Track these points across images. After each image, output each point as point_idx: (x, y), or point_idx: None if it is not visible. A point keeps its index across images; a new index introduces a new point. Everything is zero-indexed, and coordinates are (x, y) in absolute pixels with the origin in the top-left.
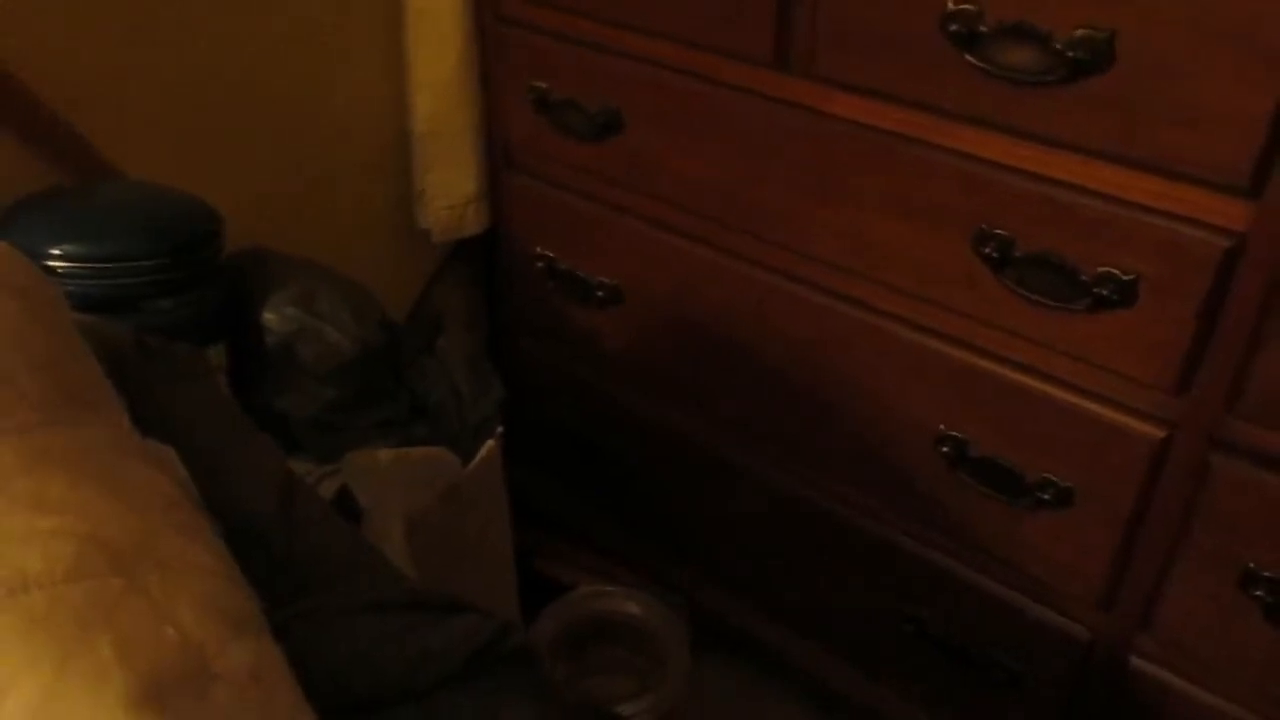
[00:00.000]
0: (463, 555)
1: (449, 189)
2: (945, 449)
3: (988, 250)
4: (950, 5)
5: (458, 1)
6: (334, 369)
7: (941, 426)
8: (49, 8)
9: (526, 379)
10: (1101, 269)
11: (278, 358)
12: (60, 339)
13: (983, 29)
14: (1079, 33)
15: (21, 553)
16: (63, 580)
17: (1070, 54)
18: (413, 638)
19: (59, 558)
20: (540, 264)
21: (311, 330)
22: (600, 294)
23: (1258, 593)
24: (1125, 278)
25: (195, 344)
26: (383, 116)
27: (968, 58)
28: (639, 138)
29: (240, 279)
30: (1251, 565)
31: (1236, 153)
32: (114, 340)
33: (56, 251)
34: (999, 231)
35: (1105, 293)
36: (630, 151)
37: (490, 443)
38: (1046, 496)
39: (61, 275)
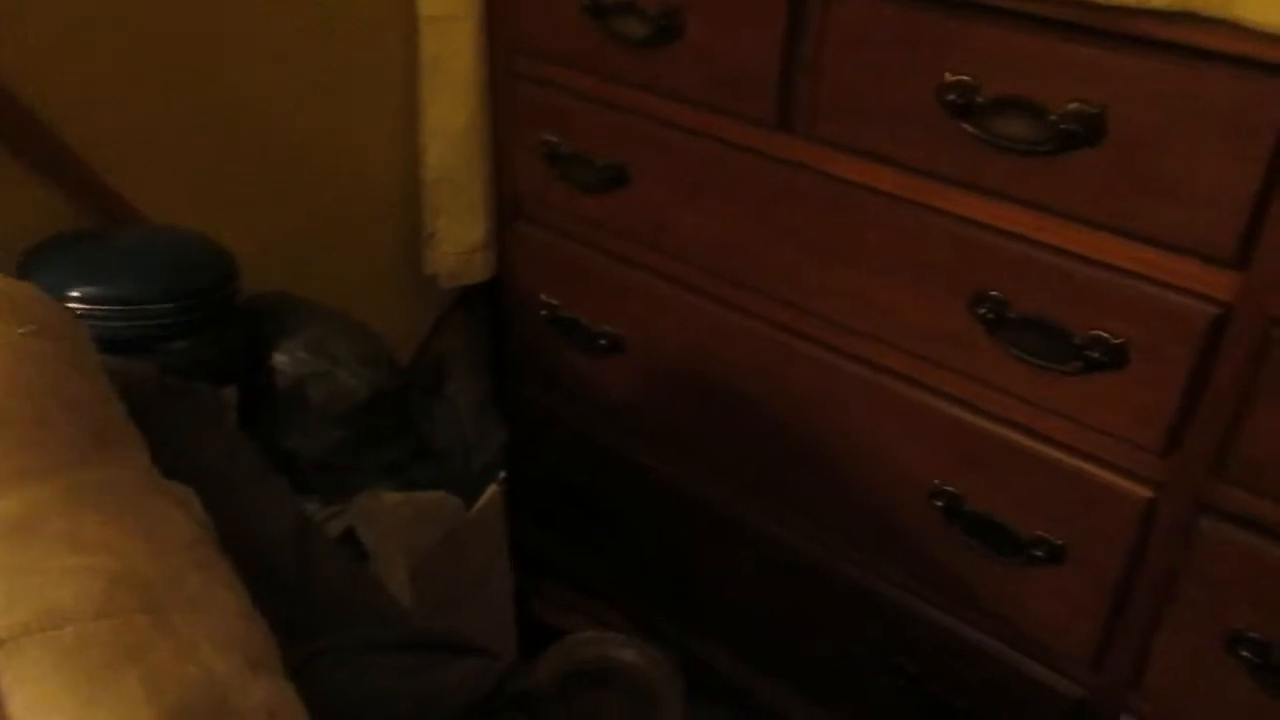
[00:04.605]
0: (463, 597)
1: (458, 236)
2: (940, 503)
3: (983, 311)
4: (948, 76)
5: (473, 56)
6: (344, 411)
7: (936, 481)
8: (76, 53)
9: (528, 424)
10: (1092, 332)
11: (288, 399)
12: (89, 381)
13: (979, 100)
14: (1072, 106)
15: (56, 590)
16: (93, 617)
17: (1063, 127)
18: (424, 678)
19: (91, 595)
20: (544, 312)
21: (322, 373)
22: (602, 343)
23: (1243, 653)
24: (1115, 341)
25: (210, 384)
26: (395, 163)
27: (964, 126)
28: (645, 192)
29: (255, 321)
30: (1237, 626)
31: (1222, 225)
32: (138, 381)
33: (77, 293)
34: (994, 293)
35: (1096, 355)
36: (636, 205)
37: (493, 488)
38: (1039, 553)
39: (81, 316)
